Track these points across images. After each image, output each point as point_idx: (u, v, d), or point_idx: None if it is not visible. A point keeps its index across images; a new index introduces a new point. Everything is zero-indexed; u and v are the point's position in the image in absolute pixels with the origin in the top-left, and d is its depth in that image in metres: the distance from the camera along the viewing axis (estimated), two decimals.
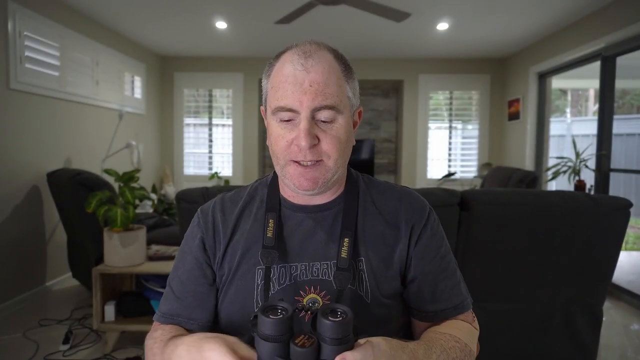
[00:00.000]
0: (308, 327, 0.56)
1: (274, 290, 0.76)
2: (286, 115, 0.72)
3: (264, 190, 0.86)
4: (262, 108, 0.83)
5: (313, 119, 0.72)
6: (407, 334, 0.86)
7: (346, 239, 0.77)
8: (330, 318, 0.53)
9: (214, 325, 0.83)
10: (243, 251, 0.80)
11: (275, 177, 0.86)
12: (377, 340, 0.59)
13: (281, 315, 0.54)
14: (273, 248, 0.77)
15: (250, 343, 0.73)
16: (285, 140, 0.73)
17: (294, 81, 0.72)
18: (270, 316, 0.54)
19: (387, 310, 0.79)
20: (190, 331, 0.80)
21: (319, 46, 0.76)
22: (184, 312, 0.81)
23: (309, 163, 0.73)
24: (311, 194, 0.77)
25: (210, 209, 0.86)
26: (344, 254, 0.76)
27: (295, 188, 0.76)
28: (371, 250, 0.79)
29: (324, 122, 0.73)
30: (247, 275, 0.78)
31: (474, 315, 0.85)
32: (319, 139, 0.72)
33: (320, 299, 0.75)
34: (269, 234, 0.78)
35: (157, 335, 0.78)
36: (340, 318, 0.53)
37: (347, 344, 0.54)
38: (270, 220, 0.79)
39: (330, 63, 0.74)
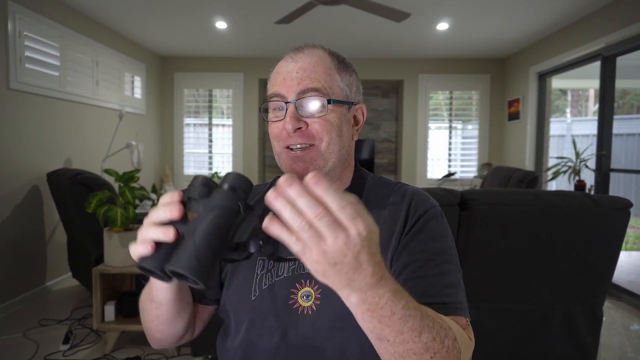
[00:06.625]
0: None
1: (272, 282, 0.77)
2: (276, 102, 0.76)
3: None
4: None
5: (302, 107, 0.75)
6: None
7: None
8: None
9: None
10: None
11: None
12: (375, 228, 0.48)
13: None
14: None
15: (245, 336, 0.76)
16: (277, 128, 0.76)
17: (284, 71, 0.77)
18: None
19: None
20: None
21: (313, 45, 0.80)
22: None
23: (299, 146, 0.75)
24: None
25: None
26: None
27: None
28: None
29: (313, 110, 0.75)
30: (249, 264, 0.80)
31: (469, 323, 0.72)
32: (307, 124, 0.75)
33: (313, 292, 0.75)
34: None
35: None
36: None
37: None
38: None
39: (320, 56, 0.78)
